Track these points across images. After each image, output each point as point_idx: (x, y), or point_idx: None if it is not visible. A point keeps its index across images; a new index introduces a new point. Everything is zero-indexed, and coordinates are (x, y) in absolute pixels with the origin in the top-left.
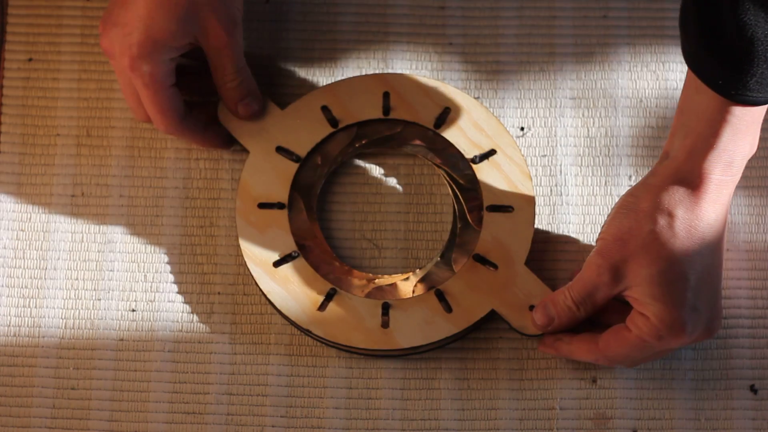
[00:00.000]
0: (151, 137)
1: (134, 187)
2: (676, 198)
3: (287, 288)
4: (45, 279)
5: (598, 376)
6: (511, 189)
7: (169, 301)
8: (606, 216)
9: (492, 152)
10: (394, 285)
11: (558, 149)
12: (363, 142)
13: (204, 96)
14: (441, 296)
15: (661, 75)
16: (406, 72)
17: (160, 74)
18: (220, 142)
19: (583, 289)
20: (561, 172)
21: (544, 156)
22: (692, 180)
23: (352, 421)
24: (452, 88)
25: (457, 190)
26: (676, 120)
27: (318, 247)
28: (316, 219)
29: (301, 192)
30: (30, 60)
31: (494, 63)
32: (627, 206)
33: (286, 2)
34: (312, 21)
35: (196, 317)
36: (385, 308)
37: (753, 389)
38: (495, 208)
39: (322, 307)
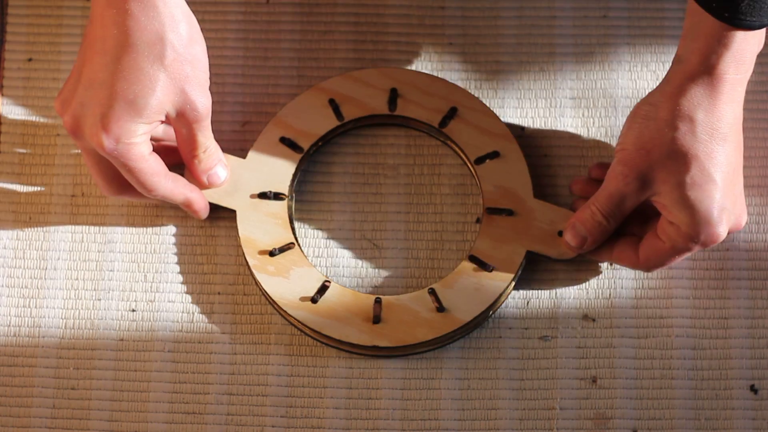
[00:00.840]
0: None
1: None
2: (695, 102)
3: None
4: (45, 279)
5: (598, 376)
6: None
7: (169, 301)
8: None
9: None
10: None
11: (558, 149)
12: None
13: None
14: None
15: (661, 75)
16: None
17: (138, 149)
18: (204, 205)
19: (610, 200)
20: (561, 172)
21: (545, 156)
22: (708, 82)
23: (352, 421)
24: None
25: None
26: (686, 23)
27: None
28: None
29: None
30: (30, 60)
31: (494, 63)
32: (645, 115)
33: (286, 2)
34: (311, 20)
35: (196, 317)
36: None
37: (753, 389)
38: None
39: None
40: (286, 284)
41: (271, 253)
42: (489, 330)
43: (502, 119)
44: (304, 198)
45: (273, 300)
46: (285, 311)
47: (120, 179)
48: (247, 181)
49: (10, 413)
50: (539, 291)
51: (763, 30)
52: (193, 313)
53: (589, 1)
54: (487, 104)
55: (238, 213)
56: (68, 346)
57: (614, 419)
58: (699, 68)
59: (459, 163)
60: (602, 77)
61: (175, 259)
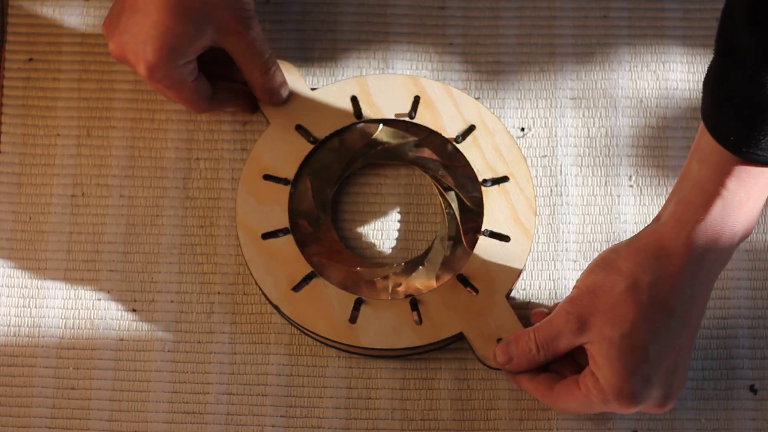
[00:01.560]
0: (151, 137)
1: (134, 187)
2: (654, 265)
3: (269, 261)
4: (45, 279)
5: None
6: (513, 220)
7: (169, 301)
8: (606, 217)
9: (505, 179)
10: (373, 283)
11: (558, 149)
12: (384, 145)
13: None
14: (415, 305)
15: (662, 75)
16: (408, 72)
17: (180, 77)
18: (250, 106)
19: (548, 333)
20: (561, 172)
21: (545, 156)
22: (674, 250)
23: (352, 421)
24: (483, 107)
25: (457, 210)
26: (675, 186)
27: (311, 229)
28: (327, 204)
29: (310, 173)
30: (30, 60)
31: (494, 63)
32: (607, 261)
33: (286, 2)
34: (312, 21)
35: (195, 317)
36: (358, 304)
37: (753, 389)
38: (493, 235)
39: (297, 287)
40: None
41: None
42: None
43: (501, 119)
44: (307, 187)
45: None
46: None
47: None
48: (297, 110)
49: (10, 413)
50: (539, 291)
51: (750, 216)
52: (192, 313)
53: (590, 1)
54: (487, 104)
55: (268, 128)
56: (68, 346)
57: (614, 419)
58: (671, 234)
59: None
60: (603, 77)
61: (175, 258)
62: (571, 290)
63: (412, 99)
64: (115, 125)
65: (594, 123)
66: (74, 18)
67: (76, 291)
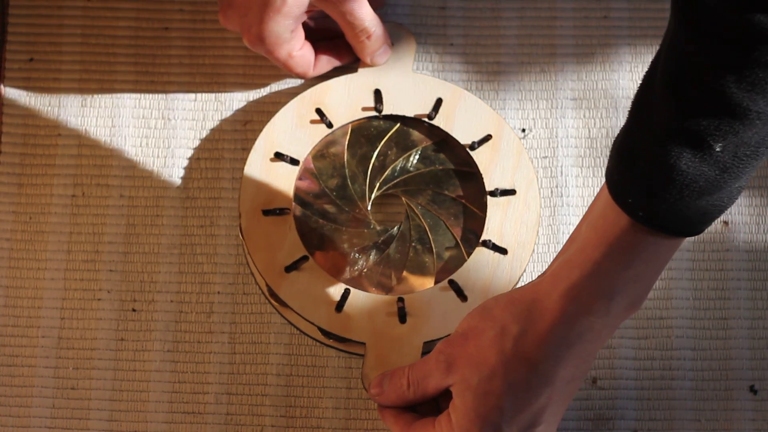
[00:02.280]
0: (151, 137)
1: (135, 187)
2: (524, 316)
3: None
4: (45, 279)
5: (598, 377)
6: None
7: (168, 301)
8: None
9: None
10: (363, 275)
11: (559, 150)
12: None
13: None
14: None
15: None
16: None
17: (284, 48)
18: (353, 58)
19: (420, 370)
20: (562, 173)
21: (545, 157)
22: (546, 306)
23: (352, 421)
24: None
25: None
26: (564, 245)
27: (313, 213)
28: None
29: (318, 158)
30: (31, 60)
31: (495, 64)
32: (485, 307)
33: None
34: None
35: (195, 317)
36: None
37: (753, 390)
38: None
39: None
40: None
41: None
42: None
43: (505, 121)
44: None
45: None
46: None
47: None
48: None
49: (9, 413)
50: None
51: (632, 295)
52: (192, 313)
53: (590, 1)
54: (489, 105)
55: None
56: (68, 345)
57: (614, 420)
58: (544, 288)
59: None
60: (603, 78)
61: (175, 258)
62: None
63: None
64: (115, 125)
65: (595, 124)
66: (75, 18)
67: (76, 291)
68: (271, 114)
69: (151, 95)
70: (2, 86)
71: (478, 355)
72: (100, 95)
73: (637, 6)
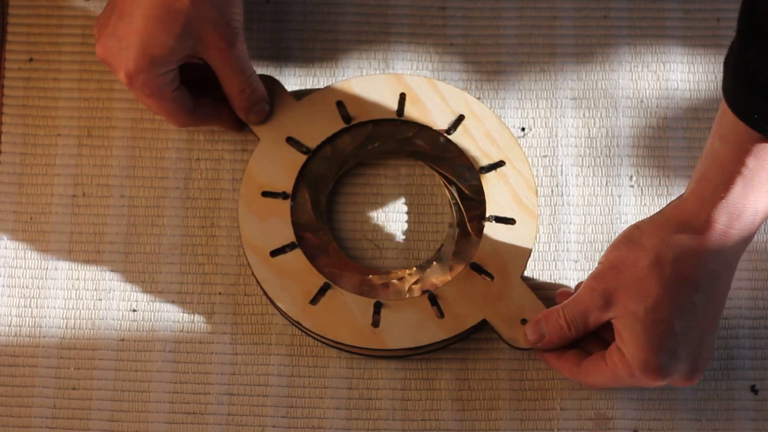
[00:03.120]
0: (152, 137)
1: (135, 188)
2: (678, 241)
3: (282, 278)
4: (46, 279)
5: None
6: (515, 202)
7: (170, 302)
8: (607, 217)
9: (500, 163)
10: (388, 284)
11: (559, 149)
12: (375, 144)
13: (212, 85)
14: (434, 300)
15: (662, 75)
16: (407, 72)
17: (159, 86)
18: (235, 124)
19: (576, 309)
20: (562, 172)
21: (545, 156)
22: (696, 226)
23: (353, 422)
24: (469, 96)
25: (459, 199)
26: (698, 164)
27: (318, 240)
28: (323, 212)
29: (307, 184)
30: (31, 60)
31: (495, 63)
32: (630, 237)
33: (286, 2)
34: (312, 21)
35: (197, 317)
36: (377, 307)
37: (754, 389)
38: (498, 220)
39: (314, 300)
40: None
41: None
42: (490, 330)
43: (502, 120)
44: (306, 198)
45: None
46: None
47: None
48: (285, 121)
49: (10, 413)
50: (540, 291)
51: (766, 205)
52: (194, 314)
53: (590, 1)
54: (488, 105)
55: (259, 144)
56: (69, 346)
57: (615, 419)
58: (693, 210)
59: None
60: (603, 78)
61: (176, 259)
62: (597, 264)
63: (398, 97)
64: (115, 125)
65: (594, 123)
66: (74, 18)
67: (77, 291)
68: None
69: None
70: (2, 86)
71: (637, 285)
72: (99, 95)
73: (637, 6)
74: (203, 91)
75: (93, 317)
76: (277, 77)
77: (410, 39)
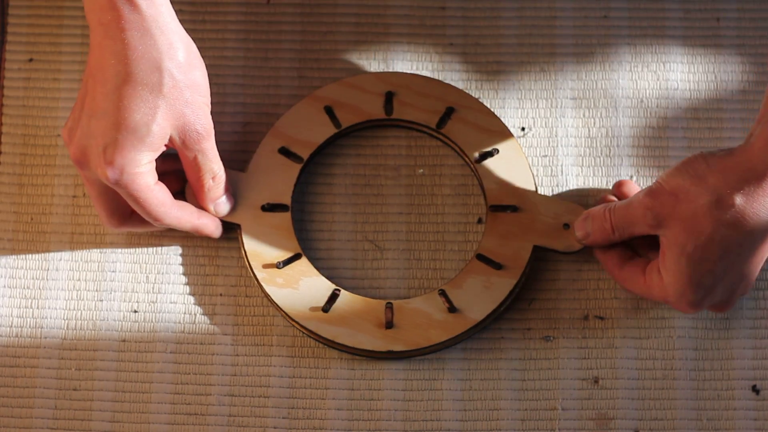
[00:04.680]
0: None
1: None
2: (740, 185)
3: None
4: (47, 280)
5: (600, 377)
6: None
7: (171, 303)
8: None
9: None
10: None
11: (559, 149)
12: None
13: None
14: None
15: (662, 75)
16: (408, 72)
17: (143, 179)
18: (215, 227)
19: (624, 217)
20: (562, 172)
21: (545, 156)
22: (761, 172)
23: (354, 422)
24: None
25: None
26: (762, 106)
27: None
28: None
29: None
30: (31, 60)
31: (495, 63)
32: (696, 169)
33: (286, 2)
34: (312, 21)
35: (198, 318)
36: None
37: (755, 389)
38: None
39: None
40: (296, 295)
41: (278, 266)
42: (491, 331)
43: (502, 120)
44: (307, 206)
45: (285, 312)
46: (297, 322)
47: (122, 211)
48: (249, 194)
49: (12, 414)
50: (541, 291)
51: None
52: (195, 315)
53: (590, 1)
54: (488, 105)
55: (242, 227)
56: (70, 346)
57: (616, 419)
58: (758, 155)
59: (460, 163)
60: (603, 77)
61: (178, 260)
62: (653, 183)
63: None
64: None
65: (594, 123)
66: (74, 18)
67: (78, 292)
68: (270, 116)
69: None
70: (2, 86)
71: (692, 221)
72: None
73: (637, 6)
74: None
75: (94, 318)
76: (276, 77)
77: (410, 39)
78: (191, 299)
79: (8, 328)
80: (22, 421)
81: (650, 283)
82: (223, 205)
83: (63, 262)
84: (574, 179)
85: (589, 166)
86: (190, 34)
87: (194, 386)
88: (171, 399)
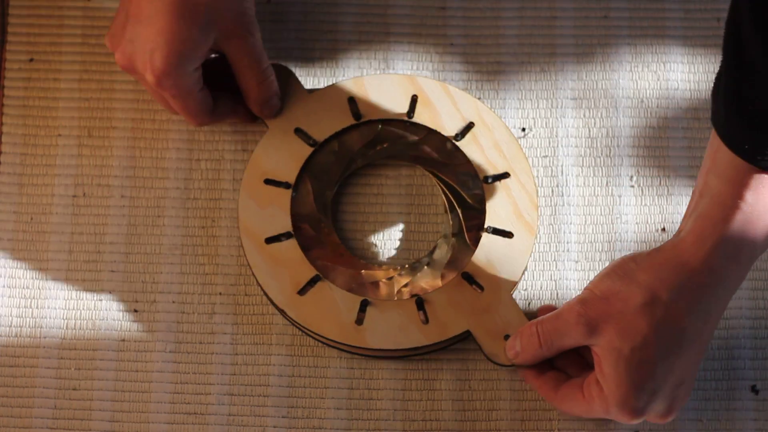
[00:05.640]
0: (152, 137)
1: (136, 188)
2: (674, 281)
3: (273, 266)
4: (46, 279)
5: None
6: (516, 216)
7: (170, 302)
8: (607, 217)
9: (505, 175)
10: (378, 284)
11: (559, 150)
12: (384, 145)
13: (230, 82)
14: (421, 305)
15: (663, 75)
16: (408, 72)
17: (188, 86)
18: (249, 117)
19: (553, 329)
20: (562, 172)
21: (546, 156)
22: (694, 266)
23: (354, 422)
24: (480, 104)
25: (459, 207)
26: (693, 202)
27: (315, 233)
28: (327, 206)
29: (312, 176)
30: (31, 60)
31: (495, 63)
32: (625, 270)
33: (286, 2)
34: (312, 21)
35: (197, 317)
36: (363, 305)
37: (754, 390)
38: (496, 231)
39: (302, 291)
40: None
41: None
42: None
43: (503, 120)
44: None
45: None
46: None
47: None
48: (296, 113)
49: (11, 414)
50: (541, 291)
51: (764, 239)
52: (194, 314)
53: (590, 1)
54: (489, 105)
55: (267, 132)
56: (70, 346)
57: (615, 420)
58: (690, 250)
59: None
60: (603, 78)
61: (177, 259)
62: (582, 291)
63: (410, 98)
64: (116, 125)
65: (595, 123)
66: (75, 18)
67: (78, 291)
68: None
69: (151, 95)
70: (3, 86)
71: (626, 322)
72: (99, 95)
73: (637, 6)
74: (217, 86)
75: (94, 317)
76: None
77: (410, 39)
78: (191, 299)
79: (8, 328)
80: (21, 420)
81: (590, 398)
82: (271, 107)
83: (63, 261)
84: (575, 179)
85: (589, 167)
86: None
87: (194, 385)
88: (170, 398)
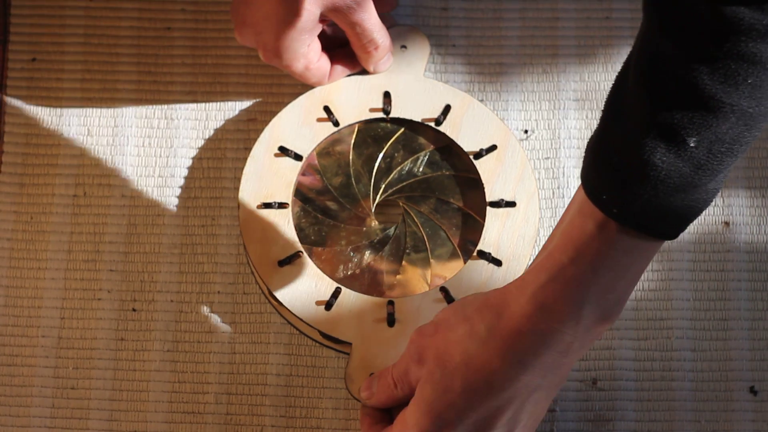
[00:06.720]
0: (153, 137)
1: (136, 187)
2: (491, 320)
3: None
4: (46, 278)
5: (599, 378)
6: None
7: (169, 301)
8: None
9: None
10: (393, 285)
11: (561, 151)
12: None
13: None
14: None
15: None
16: (406, 72)
17: (302, 63)
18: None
19: (400, 366)
20: (564, 174)
21: (548, 158)
22: (512, 309)
23: (352, 422)
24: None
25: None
26: (533, 261)
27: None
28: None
29: (323, 156)
30: (33, 60)
31: (497, 65)
32: (463, 302)
33: None
34: None
35: (195, 317)
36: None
37: (753, 391)
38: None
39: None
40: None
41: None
42: None
43: (505, 121)
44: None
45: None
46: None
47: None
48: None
49: (9, 413)
50: None
51: (597, 307)
52: (192, 313)
53: (592, 2)
54: (491, 107)
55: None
56: (68, 345)
57: (614, 421)
58: (514, 294)
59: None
60: (605, 79)
61: (176, 258)
62: None
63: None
64: (118, 125)
65: (597, 125)
66: (77, 18)
67: (77, 290)
68: (273, 114)
69: (153, 95)
70: (5, 86)
71: (444, 349)
72: (102, 95)
73: (639, 6)
74: (334, 42)
75: (92, 317)
76: (279, 76)
77: None
78: (189, 298)
79: (6, 327)
80: (19, 419)
81: (399, 419)
82: (382, 65)
83: (62, 261)
84: (576, 181)
85: None
86: (193, 34)
87: (192, 384)
88: (168, 397)
